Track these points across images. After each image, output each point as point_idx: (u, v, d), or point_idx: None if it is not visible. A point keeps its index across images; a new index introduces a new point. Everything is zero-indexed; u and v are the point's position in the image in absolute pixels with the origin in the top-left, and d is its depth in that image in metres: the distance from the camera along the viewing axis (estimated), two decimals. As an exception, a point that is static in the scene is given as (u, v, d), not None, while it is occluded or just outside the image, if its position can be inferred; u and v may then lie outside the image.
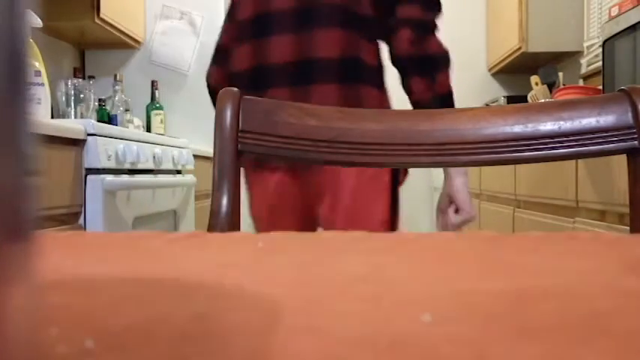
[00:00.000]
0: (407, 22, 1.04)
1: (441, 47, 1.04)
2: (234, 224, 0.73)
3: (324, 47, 1.04)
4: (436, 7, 1.07)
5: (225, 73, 1.18)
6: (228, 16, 1.17)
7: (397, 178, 1.13)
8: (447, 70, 1.05)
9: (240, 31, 1.11)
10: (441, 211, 1.15)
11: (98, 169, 1.57)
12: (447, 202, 1.13)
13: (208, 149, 2.62)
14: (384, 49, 1.10)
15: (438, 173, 3.62)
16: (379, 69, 1.10)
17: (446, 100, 1.06)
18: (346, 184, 1.08)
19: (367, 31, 1.07)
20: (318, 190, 1.10)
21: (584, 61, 2.98)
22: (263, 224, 1.15)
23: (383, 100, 1.10)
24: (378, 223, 1.10)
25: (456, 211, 1.12)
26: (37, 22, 1.63)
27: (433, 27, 1.05)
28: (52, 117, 2.08)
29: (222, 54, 1.18)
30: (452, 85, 1.06)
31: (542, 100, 2.63)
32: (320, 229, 1.16)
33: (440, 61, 1.05)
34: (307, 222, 1.14)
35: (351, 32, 1.05)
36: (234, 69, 1.13)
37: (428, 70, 1.04)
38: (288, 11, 1.05)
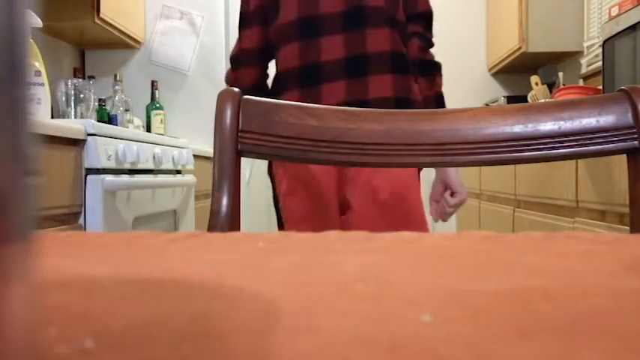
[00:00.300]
0: (416, 34, 1.28)
1: (435, 57, 1.32)
2: (234, 224, 0.73)
3: (377, 43, 1.19)
4: (431, 29, 1.33)
5: (258, 73, 1.33)
6: (251, 22, 1.28)
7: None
8: (441, 74, 1.31)
9: (283, 33, 1.24)
10: (435, 199, 1.30)
11: (98, 169, 1.57)
12: (442, 189, 1.28)
13: (208, 149, 2.62)
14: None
15: (438, 173, 3.61)
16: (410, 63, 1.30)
17: (440, 98, 1.29)
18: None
19: (402, 33, 1.25)
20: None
21: (584, 61, 2.99)
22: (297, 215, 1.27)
23: (416, 90, 1.28)
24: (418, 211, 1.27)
25: (451, 194, 1.26)
26: (37, 22, 1.63)
27: (431, 42, 1.32)
28: (52, 117, 2.08)
29: (252, 56, 1.30)
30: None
31: (542, 100, 2.63)
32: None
33: (438, 66, 1.30)
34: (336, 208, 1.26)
35: (394, 31, 1.22)
36: (281, 68, 1.26)
37: (430, 72, 1.28)
38: (338, 14, 1.19)
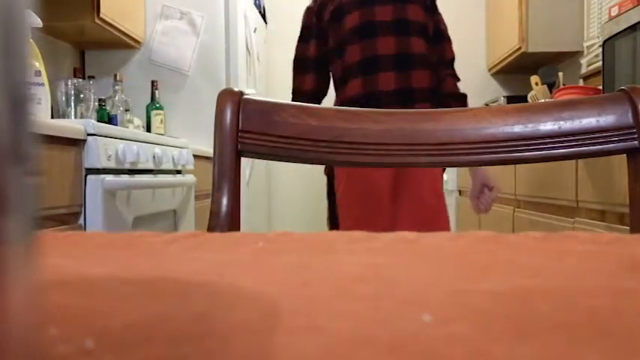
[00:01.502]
0: (449, 75, 1.77)
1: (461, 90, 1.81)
2: (234, 224, 0.73)
3: (420, 81, 1.61)
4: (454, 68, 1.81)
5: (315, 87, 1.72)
6: (309, 67, 1.71)
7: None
8: (467, 101, 1.80)
9: (349, 70, 1.61)
10: (475, 197, 1.62)
11: (98, 169, 1.57)
12: (480, 187, 1.60)
13: (208, 149, 2.62)
14: None
15: (438, 173, 3.61)
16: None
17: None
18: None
19: (436, 72, 1.68)
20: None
21: (584, 61, 2.98)
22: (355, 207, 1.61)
23: None
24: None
25: (490, 189, 1.59)
26: (37, 22, 1.63)
27: (459, 79, 1.82)
28: (52, 117, 2.08)
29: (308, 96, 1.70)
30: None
31: (542, 100, 2.63)
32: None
33: (466, 96, 1.81)
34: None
35: (431, 71, 1.64)
36: (345, 96, 1.63)
37: (462, 101, 1.78)
38: (391, 56, 1.57)
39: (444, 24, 1.74)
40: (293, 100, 1.70)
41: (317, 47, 1.66)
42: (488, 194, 1.59)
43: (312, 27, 1.67)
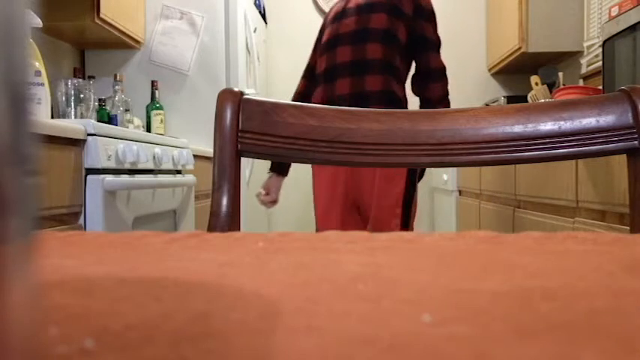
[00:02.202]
0: (437, 87, 1.87)
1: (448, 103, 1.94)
2: (234, 224, 0.73)
3: (374, 84, 1.72)
4: (446, 80, 1.89)
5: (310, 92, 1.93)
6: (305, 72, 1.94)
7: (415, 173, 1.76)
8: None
9: (317, 79, 1.83)
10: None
11: (98, 169, 1.56)
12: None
13: (208, 149, 2.62)
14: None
15: (437, 173, 3.62)
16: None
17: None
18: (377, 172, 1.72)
19: (396, 75, 1.77)
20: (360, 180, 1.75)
21: (584, 61, 2.98)
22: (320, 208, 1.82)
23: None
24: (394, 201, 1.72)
25: None
26: (37, 22, 1.63)
27: (447, 92, 1.91)
28: (52, 117, 2.08)
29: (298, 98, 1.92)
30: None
31: (542, 100, 2.63)
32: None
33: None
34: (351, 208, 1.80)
35: (389, 75, 1.74)
36: (316, 102, 1.82)
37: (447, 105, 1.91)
38: (347, 63, 1.73)
39: (433, 32, 1.77)
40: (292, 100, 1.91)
41: (311, 58, 1.91)
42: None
43: (315, 43, 1.92)
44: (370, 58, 1.70)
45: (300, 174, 3.81)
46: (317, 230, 1.86)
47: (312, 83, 1.89)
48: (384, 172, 1.71)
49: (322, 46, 1.79)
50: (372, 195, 1.73)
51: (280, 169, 1.90)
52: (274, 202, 1.92)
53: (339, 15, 1.78)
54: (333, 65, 1.74)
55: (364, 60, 1.71)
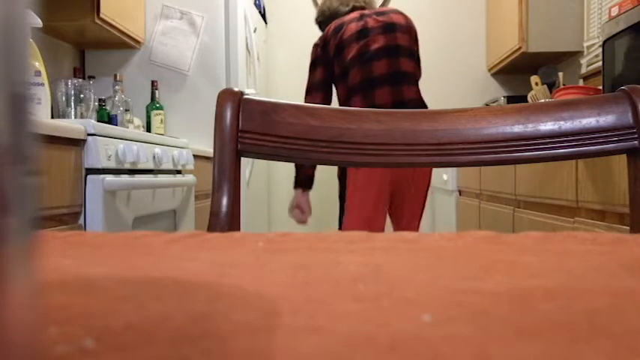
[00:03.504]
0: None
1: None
2: (234, 224, 0.73)
3: (411, 94, 1.96)
4: None
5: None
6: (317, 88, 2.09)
7: None
8: None
9: (352, 89, 1.96)
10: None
11: (98, 169, 1.56)
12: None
13: (208, 149, 2.62)
14: None
15: (437, 173, 3.62)
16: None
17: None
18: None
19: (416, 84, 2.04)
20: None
21: (584, 61, 2.98)
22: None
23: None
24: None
25: None
26: (37, 22, 1.63)
27: None
28: (52, 117, 2.08)
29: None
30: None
31: (542, 100, 2.63)
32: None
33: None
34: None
35: (417, 86, 2.02)
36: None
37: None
38: (384, 74, 1.93)
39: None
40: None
41: (323, 73, 2.03)
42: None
43: (319, 58, 2.03)
44: (404, 70, 1.94)
45: (300, 174, 3.81)
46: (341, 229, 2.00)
47: (330, 94, 2.05)
48: (423, 178, 2.01)
49: (353, 61, 1.96)
50: (409, 199, 1.99)
51: (306, 184, 2.06)
52: (309, 216, 2.09)
53: (363, 33, 1.96)
54: (371, 77, 1.92)
55: (400, 72, 1.93)
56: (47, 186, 1.34)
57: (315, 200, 3.78)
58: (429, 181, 2.06)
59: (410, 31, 2.02)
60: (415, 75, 2.00)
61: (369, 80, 1.93)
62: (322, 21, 2.19)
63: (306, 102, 2.03)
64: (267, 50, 3.68)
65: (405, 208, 2.01)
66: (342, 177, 1.98)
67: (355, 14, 2.03)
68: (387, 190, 1.94)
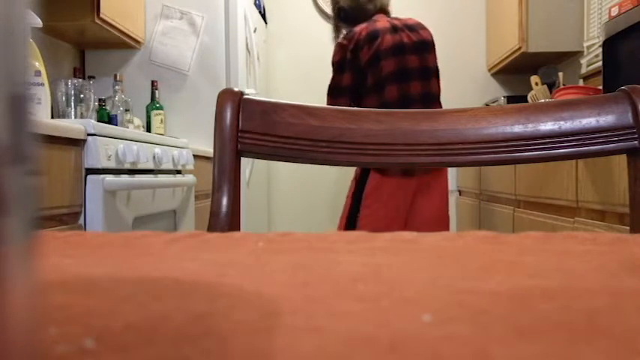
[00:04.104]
0: None
1: None
2: (234, 224, 0.73)
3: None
4: None
5: None
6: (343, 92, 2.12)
7: None
8: None
9: (388, 104, 2.02)
10: None
11: (98, 169, 1.56)
12: None
13: (208, 149, 2.62)
14: None
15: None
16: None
17: None
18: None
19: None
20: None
21: (584, 61, 2.98)
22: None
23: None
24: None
25: None
26: (37, 22, 1.63)
27: None
28: (52, 117, 2.07)
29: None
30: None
31: (542, 100, 2.63)
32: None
33: None
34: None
35: (440, 104, 2.15)
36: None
37: None
38: (419, 94, 2.05)
39: None
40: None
41: (352, 79, 2.06)
42: None
43: (348, 62, 2.05)
44: (433, 92, 2.09)
45: (301, 175, 3.81)
46: None
47: (353, 103, 2.10)
48: (443, 190, 2.11)
49: (391, 76, 2.04)
50: (432, 212, 2.09)
51: None
52: None
53: (400, 49, 2.04)
54: (408, 95, 2.04)
55: (430, 93, 2.07)
56: (47, 186, 1.34)
57: (316, 201, 3.78)
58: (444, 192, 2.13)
59: (434, 48, 2.13)
60: (439, 94, 2.12)
61: (405, 98, 2.02)
62: (346, 14, 2.19)
63: (328, 104, 2.05)
64: (267, 50, 3.67)
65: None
66: (360, 179, 2.05)
67: (386, 23, 2.07)
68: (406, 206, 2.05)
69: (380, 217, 2.00)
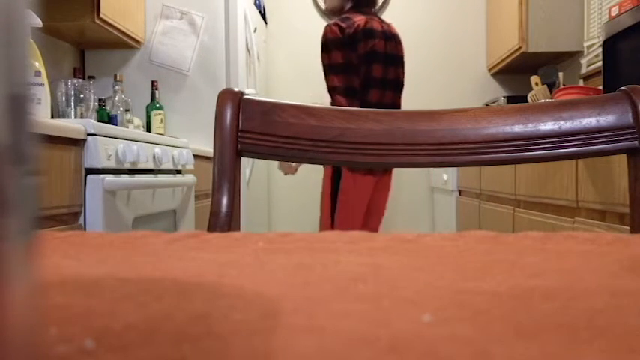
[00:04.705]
0: None
1: None
2: (234, 224, 0.73)
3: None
4: None
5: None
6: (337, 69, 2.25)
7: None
8: None
9: (367, 104, 2.15)
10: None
11: (98, 169, 1.56)
12: None
13: (208, 149, 2.62)
14: None
15: (437, 173, 3.62)
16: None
17: None
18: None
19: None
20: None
21: (584, 61, 2.98)
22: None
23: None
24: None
25: None
26: (37, 22, 1.63)
27: None
28: (52, 117, 2.08)
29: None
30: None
31: (542, 100, 2.63)
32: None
33: None
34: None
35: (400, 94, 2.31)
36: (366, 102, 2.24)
37: None
38: (390, 106, 2.23)
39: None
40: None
41: (342, 57, 2.12)
42: None
43: (340, 42, 2.11)
44: (398, 105, 2.29)
45: (301, 174, 3.81)
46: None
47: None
48: (388, 185, 2.29)
49: (376, 82, 2.15)
50: (382, 206, 2.30)
51: None
52: (298, 166, 2.28)
53: (387, 58, 2.16)
54: (382, 103, 2.16)
55: (397, 105, 2.27)
56: (47, 186, 1.34)
57: (316, 201, 3.78)
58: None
59: (404, 63, 2.30)
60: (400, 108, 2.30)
61: (379, 105, 2.13)
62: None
63: (332, 85, 2.15)
64: (267, 50, 3.67)
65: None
66: (334, 176, 2.15)
67: (379, 26, 2.15)
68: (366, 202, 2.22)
69: (355, 213, 2.15)
